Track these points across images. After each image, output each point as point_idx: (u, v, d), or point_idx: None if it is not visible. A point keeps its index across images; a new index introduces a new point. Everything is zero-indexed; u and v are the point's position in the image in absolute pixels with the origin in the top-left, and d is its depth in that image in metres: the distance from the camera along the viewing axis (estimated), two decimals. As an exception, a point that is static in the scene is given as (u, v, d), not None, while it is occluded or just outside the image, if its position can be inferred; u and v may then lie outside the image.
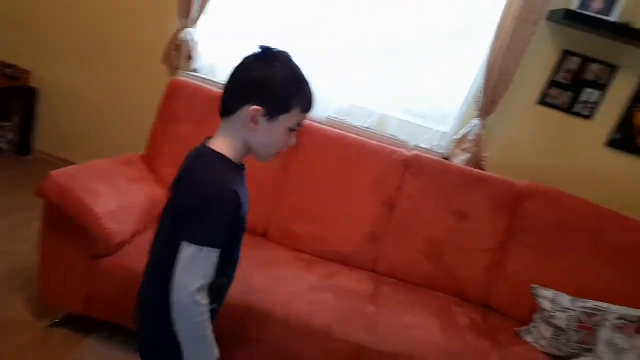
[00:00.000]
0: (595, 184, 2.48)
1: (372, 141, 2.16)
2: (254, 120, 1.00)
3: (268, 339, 1.61)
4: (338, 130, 2.19)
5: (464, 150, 2.44)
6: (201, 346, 1.02)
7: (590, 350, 1.82)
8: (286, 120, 1.02)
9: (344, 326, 1.64)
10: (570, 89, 2.39)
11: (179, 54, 2.56)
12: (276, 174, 2.10)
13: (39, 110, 2.98)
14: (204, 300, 0.98)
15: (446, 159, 2.53)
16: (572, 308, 1.89)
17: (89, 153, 2.50)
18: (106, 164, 1.88)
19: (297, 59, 1.04)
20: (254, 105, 0.99)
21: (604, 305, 1.87)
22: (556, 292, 1.95)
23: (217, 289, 1.05)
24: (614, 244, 1.98)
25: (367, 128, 2.55)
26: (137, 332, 1.12)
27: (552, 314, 1.91)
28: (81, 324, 1.79)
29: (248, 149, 1.06)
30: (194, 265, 0.96)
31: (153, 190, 1.91)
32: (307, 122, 2.19)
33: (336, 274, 1.98)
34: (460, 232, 2.10)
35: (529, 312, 2.01)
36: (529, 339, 1.96)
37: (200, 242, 0.96)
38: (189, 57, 2.57)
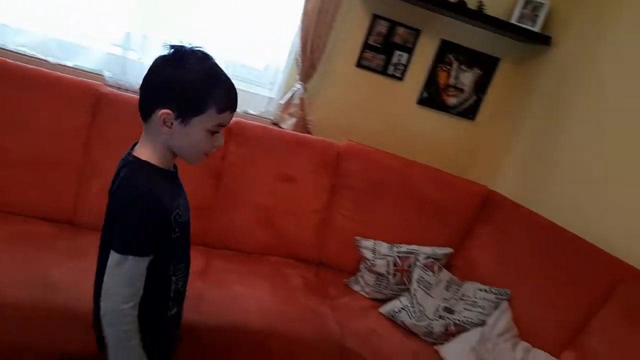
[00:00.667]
0: (410, 139, 2.71)
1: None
2: (166, 124, 0.96)
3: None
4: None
5: (290, 114, 2.45)
6: (126, 354, 1.00)
7: (407, 290, 2.01)
8: (202, 122, 0.97)
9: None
10: (383, 51, 2.54)
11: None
12: (73, 155, 1.86)
13: None
14: (131, 309, 0.97)
15: (275, 124, 2.53)
16: (390, 254, 2.06)
17: None
18: None
19: (214, 57, 1.00)
20: (164, 108, 0.95)
21: (415, 247, 2.07)
22: (376, 241, 2.11)
23: (176, 294, 1.10)
24: (421, 193, 2.20)
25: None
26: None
27: (373, 262, 2.06)
28: None
29: (172, 152, 1.02)
30: (119, 274, 0.96)
31: None
32: (110, 89, 1.97)
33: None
34: (289, 196, 2.12)
35: (356, 264, 2.14)
36: (356, 288, 2.10)
37: (123, 250, 0.95)
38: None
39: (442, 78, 2.67)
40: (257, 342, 1.61)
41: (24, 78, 1.82)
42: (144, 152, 1.01)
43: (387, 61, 2.57)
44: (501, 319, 1.79)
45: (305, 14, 2.20)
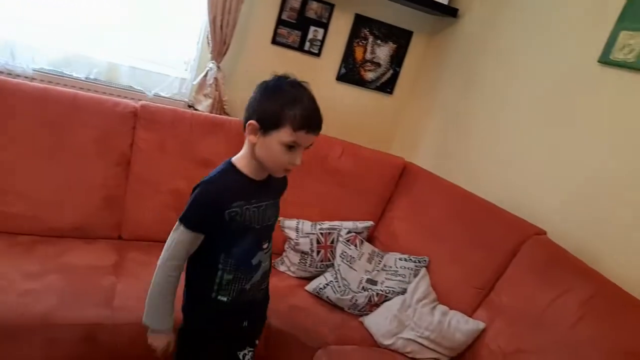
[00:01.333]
0: (330, 116, 2.64)
1: (88, 94, 1.88)
2: (251, 133, 1.15)
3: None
4: (43, 85, 1.83)
5: (206, 95, 2.36)
6: (151, 299, 1.24)
7: (331, 266, 2.03)
8: (279, 137, 1.11)
9: (71, 308, 1.45)
10: (298, 27, 2.49)
11: None
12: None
13: None
14: (167, 268, 1.20)
15: (191, 106, 2.42)
16: (312, 232, 2.06)
17: None
18: None
19: (310, 87, 1.18)
20: (252, 120, 1.14)
21: (337, 223, 2.09)
22: (299, 220, 2.10)
23: (225, 284, 1.23)
24: (340, 169, 2.21)
25: (94, 80, 2.23)
26: None
27: (297, 241, 2.05)
28: None
29: (259, 162, 1.18)
30: (171, 237, 1.20)
31: None
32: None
33: (67, 252, 1.73)
34: (207, 180, 2.05)
35: (281, 245, 2.12)
36: (282, 268, 2.09)
37: (180, 218, 1.19)
38: None
39: (358, 53, 2.67)
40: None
41: None
42: (238, 157, 1.22)
43: (303, 37, 2.53)
44: (420, 286, 1.85)
45: (212, -12, 2.10)
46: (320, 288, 1.91)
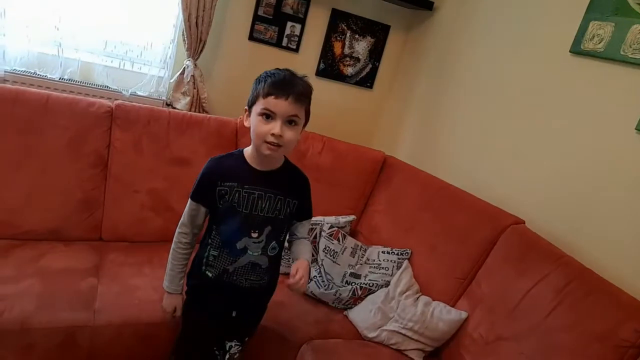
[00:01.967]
0: (312, 112, 2.69)
1: (60, 94, 1.85)
2: (246, 119, 1.27)
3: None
4: (15, 87, 1.79)
5: (184, 93, 2.34)
6: (168, 261, 1.40)
7: (315, 261, 2.03)
8: (256, 109, 1.21)
9: (49, 312, 1.43)
10: (275, 23, 2.48)
11: None
12: None
13: None
14: (179, 234, 1.36)
15: (169, 104, 2.39)
16: (295, 228, 2.06)
17: None
18: None
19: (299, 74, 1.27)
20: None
21: (319, 218, 2.09)
22: (280, 216, 2.09)
23: (210, 258, 1.34)
24: (319, 164, 2.20)
25: (68, 80, 2.19)
26: None
27: (279, 237, 2.05)
28: None
29: (259, 152, 1.25)
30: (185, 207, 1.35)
31: None
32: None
33: (45, 255, 1.70)
34: (185, 179, 1.99)
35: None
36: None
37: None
38: None
39: (337, 48, 2.67)
40: (153, 334, 1.55)
41: None
42: (248, 147, 1.31)
43: (281, 33, 2.52)
44: (403, 278, 1.87)
45: (184, -16, 2.07)
46: (304, 283, 1.91)
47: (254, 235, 1.30)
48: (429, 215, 1.99)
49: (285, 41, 2.54)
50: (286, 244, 1.47)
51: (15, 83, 2.01)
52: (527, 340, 1.45)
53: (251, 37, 2.47)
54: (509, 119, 2.01)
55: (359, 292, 1.87)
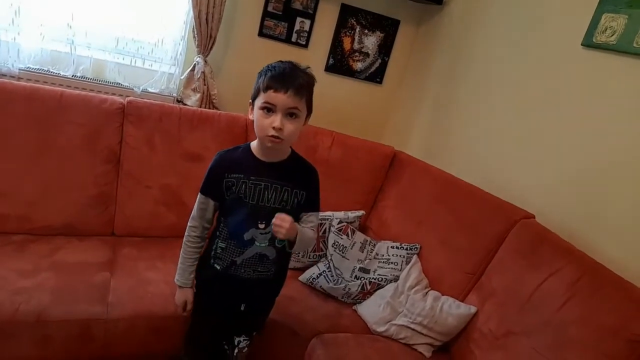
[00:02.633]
0: (320, 107, 2.67)
1: (74, 91, 1.87)
2: (250, 113, 1.28)
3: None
4: (29, 84, 1.82)
5: (194, 90, 2.36)
6: (181, 255, 1.42)
7: (324, 256, 2.04)
8: (257, 103, 1.23)
9: (65, 305, 1.46)
10: (284, 19, 2.48)
11: None
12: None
13: None
14: (190, 228, 1.39)
15: (180, 101, 2.42)
16: (305, 223, 2.07)
17: None
18: None
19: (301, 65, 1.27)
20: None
21: (329, 213, 2.10)
22: (290, 212, 2.10)
23: (218, 250, 1.36)
24: (328, 159, 2.21)
25: (81, 77, 2.22)
26: None
27: (289, 232, 2.06)
28: None
29: (263, 144, 1.27)
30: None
31: None
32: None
33: (60, 249, 1.74)
34: (197, 174, 2.01)
35: (274, 236, 2.13)
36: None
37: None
38: None
39: (346, 43, 2.67)
40: (166, 327, 1.57)
41: None
42: (255, 140, 1.32)
43: (290, 29, 2.52)
44: (412, 272, 1.87)
45: (195, -19, 2.09)
46: (314, 278, 1.92)
47: (261, 226, 1.31)
48: (438, 210, 1.99)
49: (294, 37, 2.54)
50: None
51: (29, 80, 2.05)
52: (537, 334, 1.45)
53: (261, 33, 2.48)
54: (520, 112, 2.00)
55: (368, 287, 1.88)
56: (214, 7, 2.13)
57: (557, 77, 1.86)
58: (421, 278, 1.86)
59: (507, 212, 1.78)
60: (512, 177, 1.99)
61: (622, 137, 1.59)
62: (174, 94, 2.40)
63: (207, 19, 2.16)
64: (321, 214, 2.10)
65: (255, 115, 1.24)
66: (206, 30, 2.19)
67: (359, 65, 2.73)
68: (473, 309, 1.68)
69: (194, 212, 1.37)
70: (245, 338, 1.48)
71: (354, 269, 1.94)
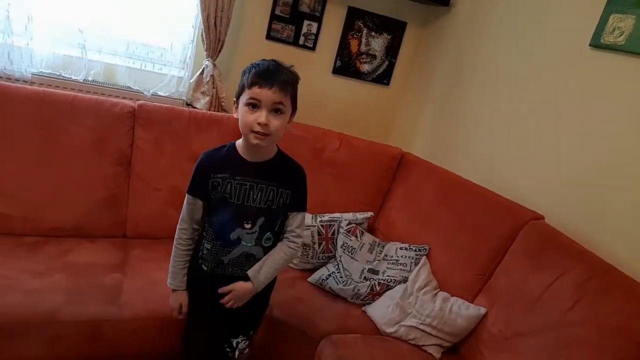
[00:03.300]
0: (328, 109, 2.73)
1: (85, 95, 1.90)
2: (235, 111, 1.29)
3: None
4: (42, 88, 1.86)
5: (203, 93, 2.38)
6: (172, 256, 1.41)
7: (333, 257, 2.05)
8: (242, 100, 1.24)
9: (76, 305, 1.48)
10: (291, 22, 2.50)
11: None
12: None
13: None
14: (179, 230, 1.38)
15: (189, 104, 2.44)
16: (313, 224, 2.08)
17: None
18: None
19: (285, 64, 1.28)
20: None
21: (337, 215, 2.11)
22: (299, 213, 2.11)
23: (204, 251, 1.37)
24: (336, 161, 2.22)
25: (92, 81, 2.25)
26: None
27: (298, 234, 2.07)
28: None
29: (248, 143, 1.26)
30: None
31: None
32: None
33: (72, 250, 1.76)
34: (206, 177, 2.07)
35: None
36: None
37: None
38: None
39: (353, 45, 2.68)
40: (177, 327, 1.58)
41: None
42: (240, 139, 1.32)
43: (298, 31, 2.54)
44: (421, 274, 1.87)
45: (203, -15, 2.11)
46: (323, 279, 1.93)
47: (247, 226, 1.32)
48: (446, 211, 1.99)
49: (302, 40, 2.56)
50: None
51: (41, 85, 2.08)
52: (546, 335, 1.44)
53: (268, 36, 2.50)
54: (527, 113, 2.00)
55: (377, 288, 1.88)
56: (222, 11, 2.15)
57: (564, 78, 1.85)
58: (430, 279, 1.86)
59: (516, 213, 1.78)
60: (519, 177, 1.98)
61: (630, 137, 1.59)
62: (184, 97, 2.43)
63: (215, 23, 2.18)
64: (330, 215, 2.12)
65: (240, 112, 1.24)
66: (215, 34, 2.21)
67: (366, 67, 2.74)
68: (482, 310, 1.68)
69: (183, 213, 1.37)
70: (243, 338, 1.48)
71: (363, 270, 1.94)
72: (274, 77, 1.21)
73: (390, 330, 1.74)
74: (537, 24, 2.01)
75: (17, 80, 2.05)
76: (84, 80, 2.22)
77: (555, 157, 1.84)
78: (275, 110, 1.22)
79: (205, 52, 2.29)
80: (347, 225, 2.05)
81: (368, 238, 2.06)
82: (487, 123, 2.21)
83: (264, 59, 1.26)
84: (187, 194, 1.35)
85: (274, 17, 2.46)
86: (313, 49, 2.61)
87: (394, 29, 2.69)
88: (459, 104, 2.40)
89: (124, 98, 2.16)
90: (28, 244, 1.73)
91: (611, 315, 1.34)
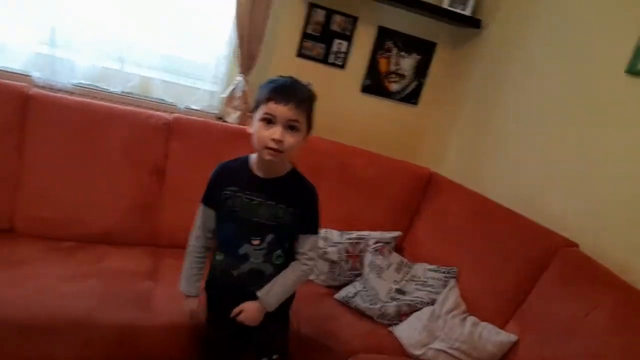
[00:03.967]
0: (356, 127, 2.74)
1: (123, 107, 1.96)
2: (250, 126, 1.29)
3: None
4: (80, 98, 1.92)
5: (235, 108, 2.42)
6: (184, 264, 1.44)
7: (360, 275, 2.04)
8: (258, 115, 1.24)
9: (110, 310, 1.51)
10: (322, 40, 2.54)
11: None
12: (5, 159, 1.75)
13: None
14: (192, 238, 1.42)
15: (220, 118, 2.48)
16: (341, 241, 2.09)
17: None
18: None
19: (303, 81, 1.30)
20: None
21: (365, 233, 2.11)
22: (326, 229, 2.12)
23: (217, 262, 1.39)
24: (364, 179, 2.23)
25: (128, 93, 2.31)
26: None
27: (325, 250, 2.07)
28: None
29: (261, 159, 1.28)
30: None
31: None
32: (38, 90, 1.87)
33: (106, 257, 1.80)
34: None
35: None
36: (311, 277, 2.11)
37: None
38: None
39: (382, 65, 2.71)
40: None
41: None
42: (254, 154, 1.33)
43: (328, 50, 2.57)
44: (450, 296, 1.85)
45: (239, 4, 2.16)
46: (349, 297, 1.92)
47: (255, 242, 1.31)
48: (476, 234, 1.97)
49: (331, 58, 2.59)
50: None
51: (81, 95, 2.14)
52: (581, 365, 1.41)
53: (299, 54, 2.54)
54: (563, 139, 1.98)
55: (405, 309, 1.87)
56: (256, 28, 2.20)
57: (600, 105, 1.84)
58: (459, 302, 1.84)
59: (546, 239, 1.76)
60: (553, 203, 1.96)
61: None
62: (215, 111, 2.47)
63: (249, 40, 2.23)
64: (357, 232, 2.12)
65: (255, 127, 1.24)
66: (248, 51, 2.25)
67: (394, 87, 2.76)
68: (513, 337, 1.64)
69: (196, 222, 1.39)
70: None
71: (390, 290, 1.93)
72: (291, 93, 1.21)
73: (417, 352, 1.71)
74: (571, 50, 2.00)
75: (58, 90, 2.12)
76: (121, 92, 2.28)
77: (593, 183, 1.82)
78: (291, 127, 1.22)
79: (237, 68, 2.34)
80: (374, 243, 2.05)
81: (395, 258, 2.05)
82: (519, 147, 2.19)
83: (282, 76, 1.28)
84: (201, 203, 1.37)
85: (305, 36, 2.50)
86: (343, 67, 2.64)
87: (424, 50, 2.71)
88: (489, 126, 2.39)
89: (158, 110, 2.21)
90: (65, 249, 1.77)
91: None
